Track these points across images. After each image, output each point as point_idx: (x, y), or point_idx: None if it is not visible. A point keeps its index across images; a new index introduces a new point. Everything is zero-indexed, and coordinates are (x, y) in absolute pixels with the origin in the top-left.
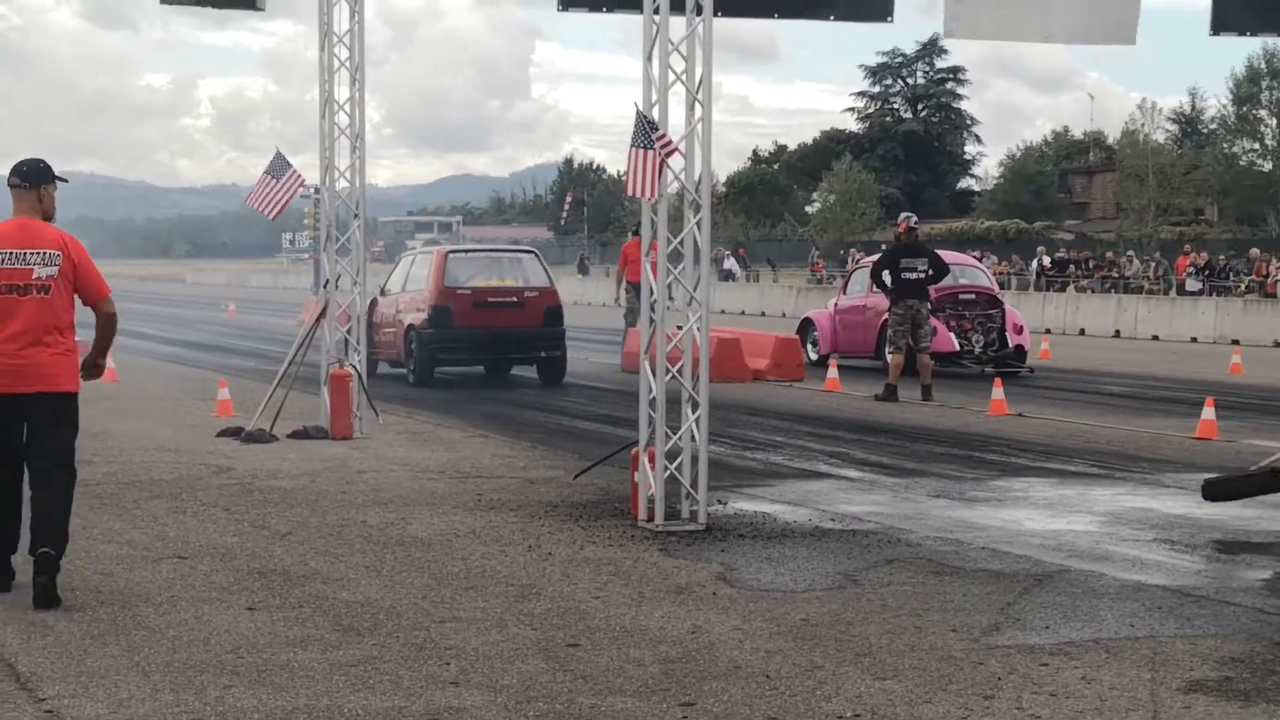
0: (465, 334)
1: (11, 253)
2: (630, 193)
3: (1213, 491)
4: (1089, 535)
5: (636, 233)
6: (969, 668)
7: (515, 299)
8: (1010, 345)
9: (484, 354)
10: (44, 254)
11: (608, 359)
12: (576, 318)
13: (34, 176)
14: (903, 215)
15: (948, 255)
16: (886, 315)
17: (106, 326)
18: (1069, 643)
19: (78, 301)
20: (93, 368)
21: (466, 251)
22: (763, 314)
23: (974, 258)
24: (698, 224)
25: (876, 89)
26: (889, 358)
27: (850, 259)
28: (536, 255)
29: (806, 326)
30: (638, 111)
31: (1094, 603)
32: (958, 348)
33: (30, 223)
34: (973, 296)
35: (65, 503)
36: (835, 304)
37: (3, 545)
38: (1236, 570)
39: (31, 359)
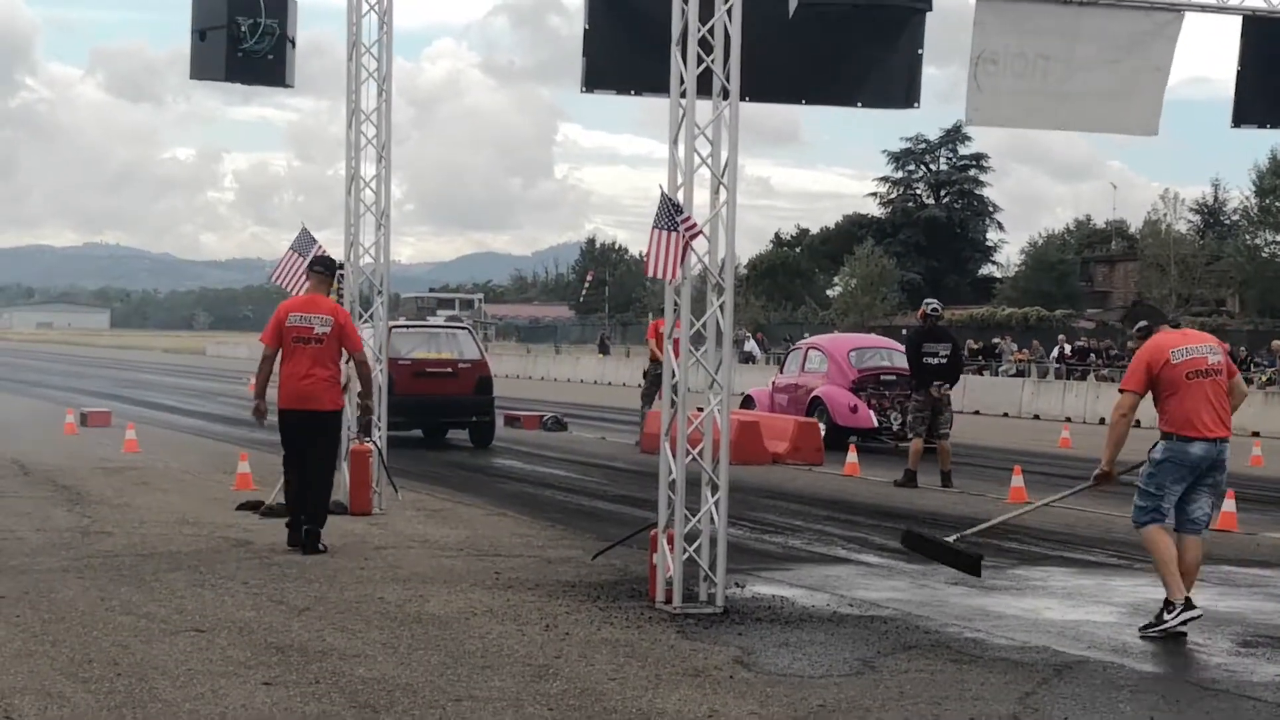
0: (405, 400)
1: (302, 315)
2: (650, 274)
3: (909, 542)
4: (1108, 626)
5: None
6: None
7: (450, 369)
8: None
9: (421, 418)
10: (321, 318)
11: (627, 439)
12: (596, 397)
13: (332, 269)
14: (925, 302)
15: (871, 339)
16: (816, 392)
17: (362, 372)
18: None
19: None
20: (365, 413)
21: (407, 327)
22: None
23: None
24: (720, 307)
25: (899, 174)
26: (910, 443)
27: None
28: (470, 330)
29: (748, 402)
30: (663, 193)
31: (1113, 694)
32: (876, 424)
33: (317, 297)
34: (894, 378)
35: (327, 491)
36: (774, 382)
37: (299, 509)
38: (1256, 664)
39: (312, 388)
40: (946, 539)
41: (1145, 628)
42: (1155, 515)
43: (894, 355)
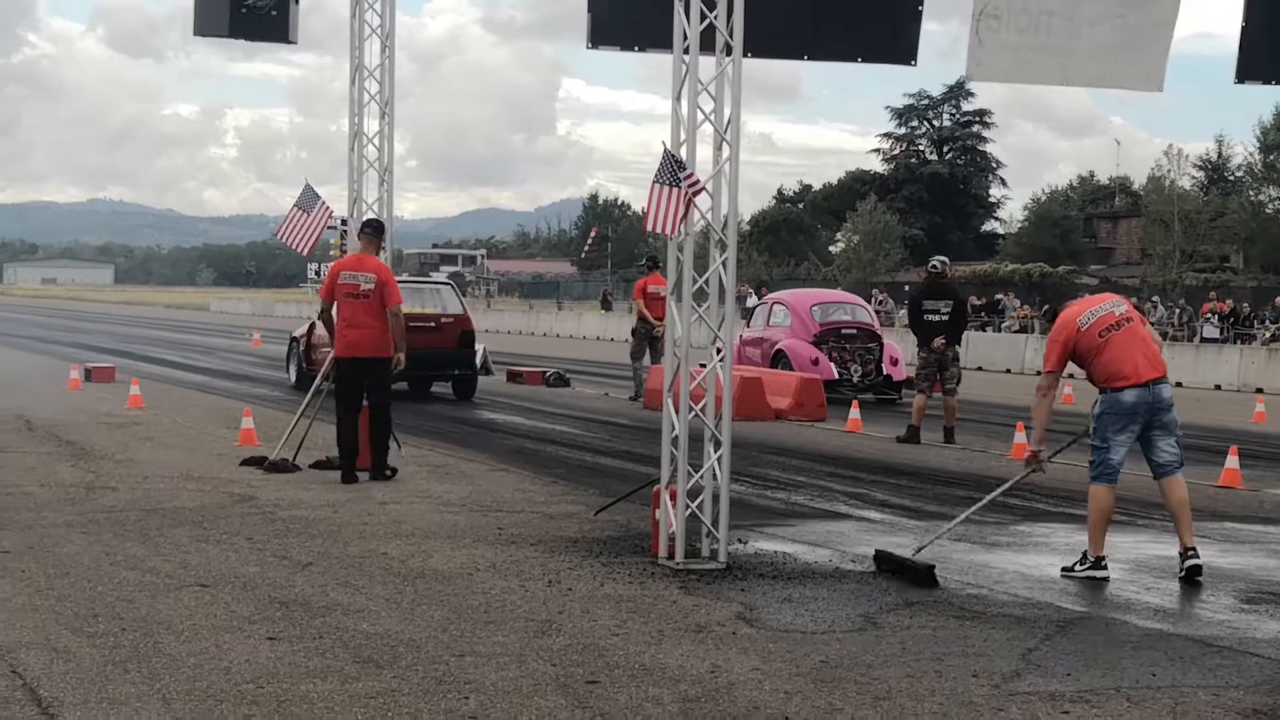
0: None
1: (351, 274)
2: (650, 228)
3: (879, 560)
4: (1111, 582)
5: (652, 267)
6: (989, 713)
7: (433, 324)
8: (884, 375)
9: (406, 371)
10: (367, 276)
11: (628, 395)
12: (599, 353)
13: (380, 232)
14: (932, 259)
15: (834, 294)
16: (779, 345)
17: (395, 323)
18: (1090, 690)
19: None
20: (397, 362)
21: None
22: None
23: (870, 304)
24: (723, 264)
25: (902, 130)
26: (915, 398)
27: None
28: (452, 286)
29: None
30: (665, 150)
31: (1116, 651)
32: (837, 376)
33: (364, 256)
34: (855, 331)
35: (384, 434)
36: (741, 336)
37: (352, 456)
38: (1259, 621)
39: (361, 337)
40: (904, 556)
41: (1065, 569)
42: (1103, 470)
43: (856, 310)
